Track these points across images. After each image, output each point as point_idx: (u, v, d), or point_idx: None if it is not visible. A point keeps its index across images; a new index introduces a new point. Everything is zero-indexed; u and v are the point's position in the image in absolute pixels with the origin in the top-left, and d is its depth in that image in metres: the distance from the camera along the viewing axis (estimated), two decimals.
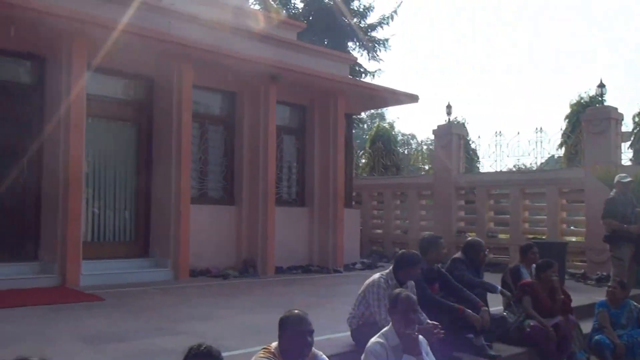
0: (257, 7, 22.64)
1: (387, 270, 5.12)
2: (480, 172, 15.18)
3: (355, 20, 23.41)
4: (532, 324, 6.02)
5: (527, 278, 6.57)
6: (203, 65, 9.77)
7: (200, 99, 10.44)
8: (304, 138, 12.13)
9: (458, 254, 6.45)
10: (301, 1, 23.84)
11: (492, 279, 6.89)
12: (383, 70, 24.47)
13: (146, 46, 9.00)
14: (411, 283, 5.06)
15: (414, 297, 4.07)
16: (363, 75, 23.49)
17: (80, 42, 8.37)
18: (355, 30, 22.68)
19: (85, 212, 8.83)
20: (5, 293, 7.30)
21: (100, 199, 9.40)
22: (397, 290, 4.22)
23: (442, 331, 4.28)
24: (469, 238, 7.27)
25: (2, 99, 8.44)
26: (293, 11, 23.50)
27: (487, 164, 13.89)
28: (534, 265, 6.71)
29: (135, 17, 8.88)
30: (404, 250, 5.49)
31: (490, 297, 6.19)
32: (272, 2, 23.42)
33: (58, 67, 8.43)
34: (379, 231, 15.37)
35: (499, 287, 6.34)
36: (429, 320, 4.55)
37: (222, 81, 10.48)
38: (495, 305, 6.47)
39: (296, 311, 3.40)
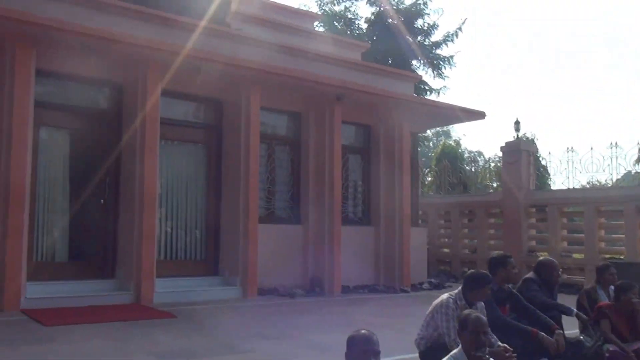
0: (321, 29, 22.96)
1: (456, 291, 5.03)
2: (551, 190, 14.71)
3: (419, 38, 23.35)
4: (611, 349, 5.76)
5: (605, 300, 6.31)
6: (270, 87, 10.00)
7: (267, 119, 10.66)
8: (370, 157, 12.15)
9: (530, 274, 6.26)
10: (365, 22, 24.01)
11: (567, 300, 6.65)
12: (448, 87, 24.26)
13: (216, 71, 9.31)
14: (481, 304, 4.94)
15: (484, 318, 3.98)
16: (428, 93, 23.34)
17: (154, 68, 8.74)
18: (416, 49, 22.59)
19: (159, 231, 9.13)
20: (85, 309, 7.63)
21: (173, 218, 9.71)
22: (467, 311, 4.14)
23: (514, 354, 4.17)
24: (541, 257, 7.05)
25: (84, 124, 8.95)
26: (357, 32, 23.68)
27: (558, 181, 13.46)
28: (611, 286, 6.42)
29: (206, 43, 9.25)
30: (473, 269, 5.39)
31: (565, 320, 5.98)
32: (336, 24, 23.67)
33: (134, 93, 8.84)
34: (447, 250, 15.12)
35: (575, 310, 6.11)
36: (500, 343, 4.45)
37: (288, 102, 10.68)
38: (571, 328, 6.24)
39: (363, 331, 3.39)
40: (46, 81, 8.55)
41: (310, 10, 23.22)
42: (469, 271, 5.20)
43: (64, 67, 8.50)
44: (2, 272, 7.40)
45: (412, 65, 22.90)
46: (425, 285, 11.89)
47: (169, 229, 9.65)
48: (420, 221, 13.91)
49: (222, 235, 9.96)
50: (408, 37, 22.40)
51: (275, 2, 12.91)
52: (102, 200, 8.90)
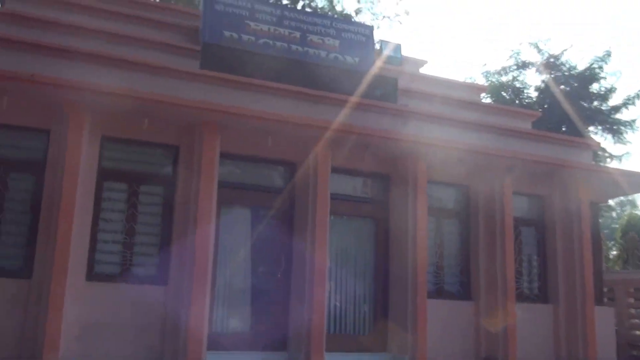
0: (489, 100, 22.72)
1: None
2: None
3: (595, 103, 22.13)
4: None
5: None
6: (437, 160, 9.99)
7: (434, 192, 10.58)
8: (545, 229, 11.45)
9: None
10: (535, 90, 23.35)
11: None
12: (632, 153, 22.46)
13: (383, 146, 9.57)
14: None
15: None
16: (608, 160, 21.82)
17: (325, 146, 9.16)
18: (592, 115, 21.33)
19: (328, 305, 9.28)
20: None
21: (341, 292, 9.84)
22: None
23: None
24: None
25: (261, 201, 9.48)
26: (526, 100, 23.06)
27: None
28: None
29: (372, 120, 9.62)
30: None
31: None
32: (504, 94, 23.27)
33: (306, 170, 9.32)
34: None
35: None
36: None
37: (456, 175, 10.54)
38: None
39: None
40: (228, 162, 9.30)
41: (476, 82, 23.14)
42: None
43: (243, 149, 9.23)
44: (184, 341, 7.96)
45: (589, 131, 21.69)
46: None
47: (337, 303, 9.78)
48: (605, 299, 12.67)
49: (390, 310, 9.86)
50: (583, 102, 21.34)
51: (440, 77, 13.07)
52: (278, 274, 9.31)
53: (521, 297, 10.78)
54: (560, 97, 20.54)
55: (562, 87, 22.06)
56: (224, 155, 8.95)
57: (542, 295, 11.23)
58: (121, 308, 8.15)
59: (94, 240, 8.32)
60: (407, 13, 24.82)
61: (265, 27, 10.58)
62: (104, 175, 8.55)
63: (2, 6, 10.22)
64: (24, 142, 8.34)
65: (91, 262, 8.25)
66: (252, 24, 10.49)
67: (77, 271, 7.94)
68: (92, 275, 8.22)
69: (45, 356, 7.36)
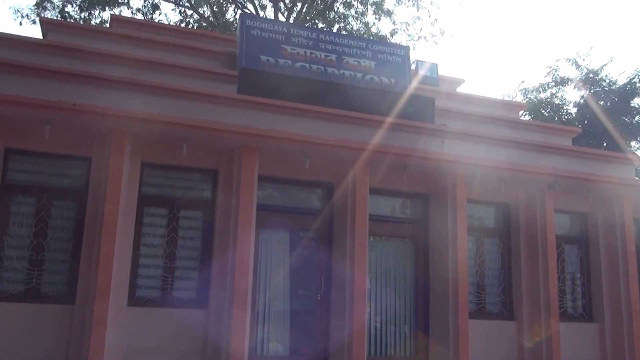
0: (527, 117, 22.44)
1: None
2: None
3: (637, 118, 21.67)
4: None
5: None
6: (476, 179, 9.90)
7: (474, 211, 10.50)
8: (588, 247, 11.24)
9: None
10: (574, 106, 22.99)
11: None
12: None
13: (422, 167, 9.56)
14: None
15: None
16: None
17: (362, 167, 9.18)
18: (634, 130, 20.88)
19: (368, 326, 9.19)
20: None
21: (381, 313, 9.76)
22: None
23: None
24: None
25: (300, 224, 9.53)
26: (566, 117, 22.69)
27: None
28: None
29: (410, 140, 9.62)
30: None
31: None
32: (543, 111, 22.95)
33: (344, 192, 9.33)
34: None
35: None
36: None
37: (496, 193, 10.42)
38: None
39: None
40: (267, 185, 9.37)
41: (514, 100, 22.91)
42: None
43: (281, 171, 9.30)
44: None
45: (630, 147, 21.23)
46: None
47: (377, 324, 9.69)
48: None
49: (431, 332, 9.75)
50: (624, 118, 20.91)
51: (478, 96, 12.97)
52: (318, 296, 9.29)
53: (565, 316, 10.58)
54: (600, 113, 20.13)
55: (602, 102, 21.67)
56: (263, 178, 9.02)
57: (587, 313, 11.00)
58: (162, 332, 8.22)
59: (135, 265, 8.43)
60: (443, 33, 24.43)
61: (301, 51, 10.71)
62: (145, 200, 8.69)
63: (44, 37, 10.53)
64: (66, 169, 8.53)
65: (133, 287, 8.35)
66: (288, 48, 10.65)
67: (119, 296, 8.03)
68: (134, 299, 8.33)
69: None
